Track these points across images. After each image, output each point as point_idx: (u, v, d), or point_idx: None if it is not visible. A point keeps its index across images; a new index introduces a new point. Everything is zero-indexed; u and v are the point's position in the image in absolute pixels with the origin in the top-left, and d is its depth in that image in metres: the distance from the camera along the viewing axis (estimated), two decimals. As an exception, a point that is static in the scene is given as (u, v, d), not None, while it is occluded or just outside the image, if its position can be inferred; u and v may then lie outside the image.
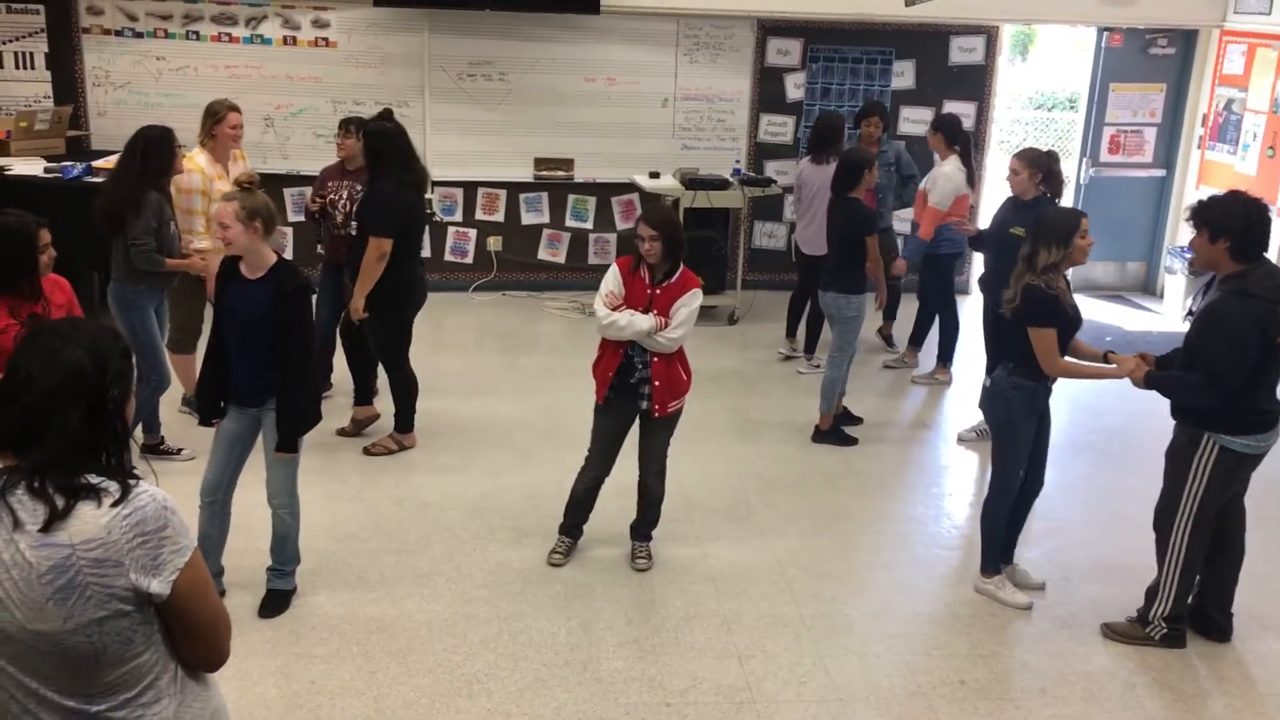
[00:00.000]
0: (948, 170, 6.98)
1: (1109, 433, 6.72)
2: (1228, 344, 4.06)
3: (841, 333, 6.31)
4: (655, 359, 4.60)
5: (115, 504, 1.94)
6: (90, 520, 1.92)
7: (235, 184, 4.29)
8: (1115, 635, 4.51)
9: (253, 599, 4.44)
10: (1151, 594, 4.49)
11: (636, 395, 4.66)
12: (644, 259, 4.56)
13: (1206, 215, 4.17)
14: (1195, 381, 4.18)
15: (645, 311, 4.54)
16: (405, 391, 5.94)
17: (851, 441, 6.36)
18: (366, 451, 5.92)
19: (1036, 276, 4.39)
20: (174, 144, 5.40)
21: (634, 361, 4.62)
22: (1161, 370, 4.38)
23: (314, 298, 4.23)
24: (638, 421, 4.78)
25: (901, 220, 8.56)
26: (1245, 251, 4.13)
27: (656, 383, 4.62)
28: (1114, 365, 4.51)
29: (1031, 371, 4.47)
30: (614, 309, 4.58)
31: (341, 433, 6.11)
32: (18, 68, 8.31)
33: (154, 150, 5.29)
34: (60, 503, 1.91)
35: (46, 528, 1.90)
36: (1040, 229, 4.49)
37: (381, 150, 5.58)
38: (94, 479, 1.95)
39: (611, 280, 4.63)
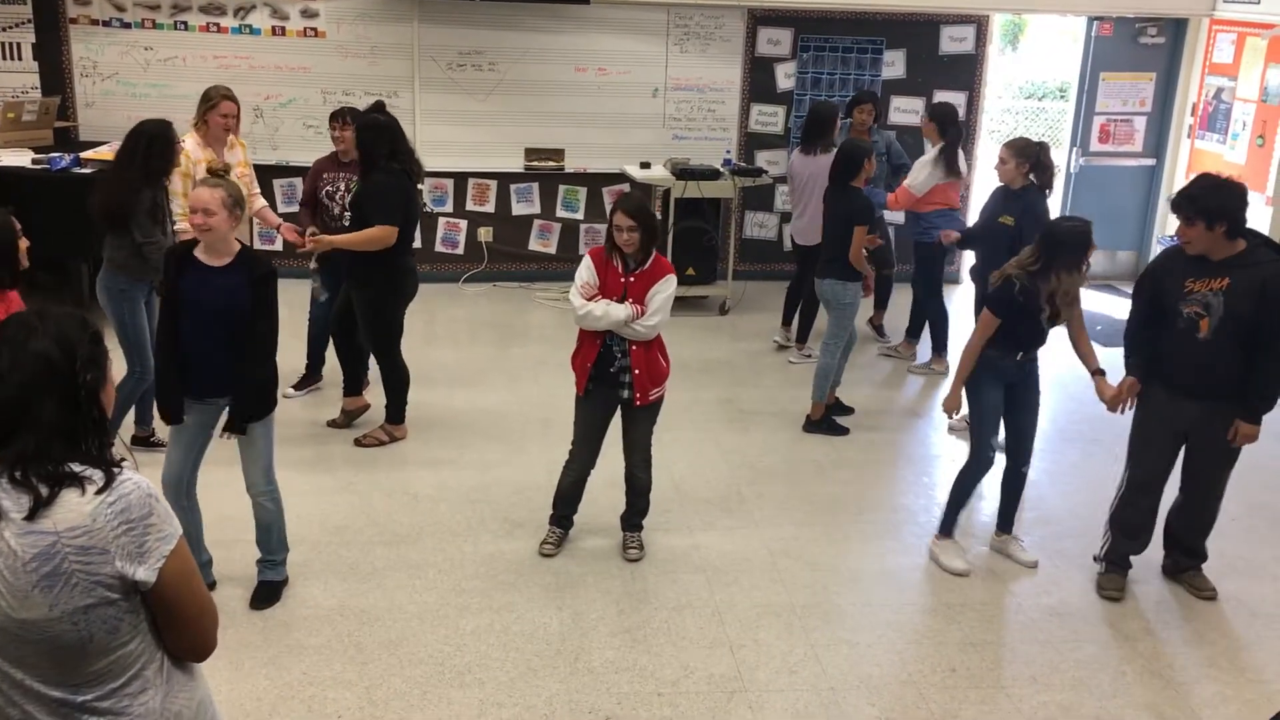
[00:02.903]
0: (926, 158, 7.04)
1: (1098, 421, 6.70)
2: None
3: (836, 319, 6.34)
4: (634, 347, 4.60)
5: (99, 491, 1.94)
6: (75, 508, 1.92)
7: (208, 171, 4.26)
8: (1212, 592, 4.74)
9: (244, 591, 4.43)
10: (1202, 538, 4.74)
11: (617, 385, 4.66)
12: (619, 249, 4.55)
13: (1202, 205, 4.23)
14: None
15: (620, 300, 4.54)
16: (397, 383, 5.93)
17: (843, 431, 6.37)
18: (358, 443, 5.91)
19: (1050, 296, 4.54)
20: (176, 140, 5.37)
21: (613, 351, 4.62)
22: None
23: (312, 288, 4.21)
24: (620, 412, 4.79)
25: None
26: (1239, 229, 4.25)
27: (636, 371, 4.61)
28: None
29: (992, 341, 4.68)
30: (589, 299, 4.58)
31: (332, 424, 6.10)
32: (5, 58, 8.26)
33: (159, 148, 5.26)
34: (44, 491, 1.90)
35: (31, 516, 1.89)
36: (1053, 245, 4.54)
37: (370, 144, 5.57)
38: (77, 467, 1.95)
39: (585, 271, 4.61)
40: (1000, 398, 4.78)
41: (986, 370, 4.73)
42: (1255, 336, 4.27)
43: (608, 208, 9.06)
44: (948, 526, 4.99)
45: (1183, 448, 4.61)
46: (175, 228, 5.69)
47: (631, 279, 4.56)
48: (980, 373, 4.74)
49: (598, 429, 4.79)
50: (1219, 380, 4.37)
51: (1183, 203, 4.29)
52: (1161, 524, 4.83)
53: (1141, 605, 4.70)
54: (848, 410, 6.58)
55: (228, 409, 4.19)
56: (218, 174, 4.18)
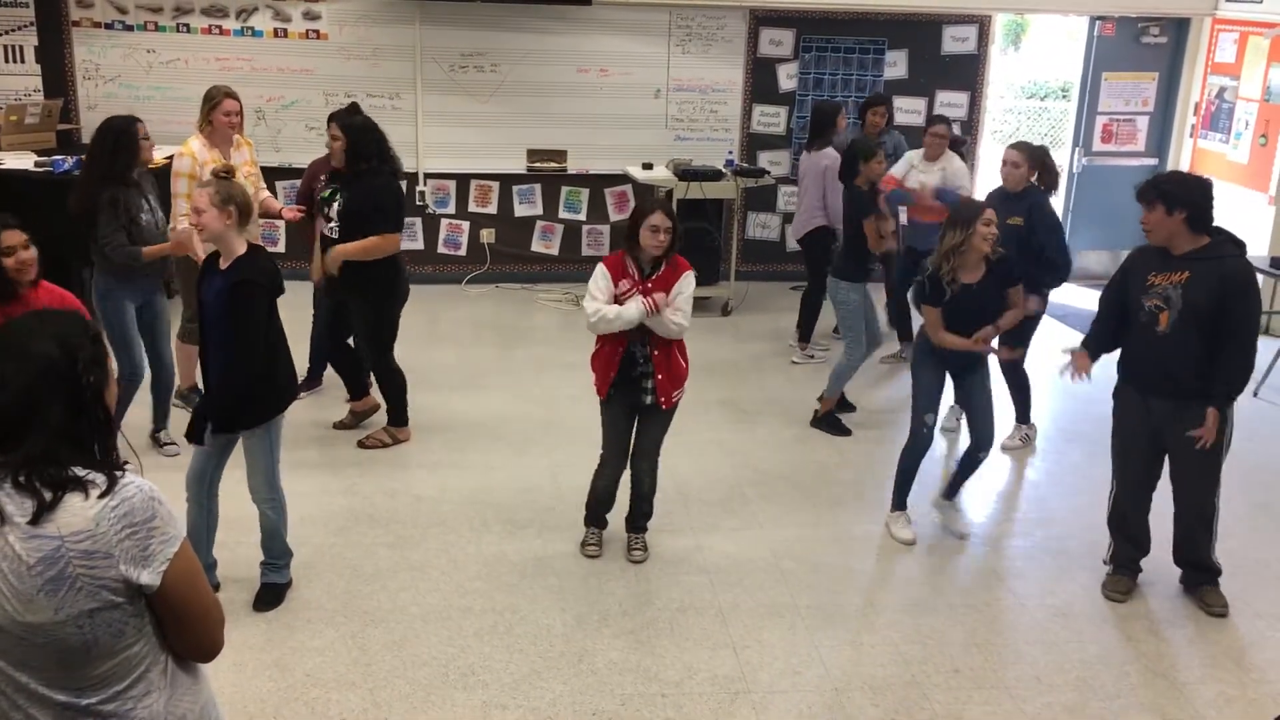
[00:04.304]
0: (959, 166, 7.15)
1: (1101, 421, 6.68)
2: (1256, 303, 4.30)
3: (841, 318, 6.41)
4: (656, 352, 4.58)
5: (102, 495, 1.93)
6: (78, 512, 1.92)
7: (213, 173, 4.27)
8: (1223, 608, 4.62)
9: (247, 593, 4.43)
10: (1202, 551, 4.63)
11: (640, 389, 4.65)
12: (641, 252, 4.51)
13: (1164, 189, 4.29)
14: (1247, 349, 4.32)
15: None
16: (395, 387, 5.92)
17: (845, 432, 6.37)
18: (361, 445, 5.91)
19: (942, 259, 4.78)
20: (139, 135, 5.33)
21: (635, 355, 4.60)
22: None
23: (266, 293, 4.18)
24: (638, 415, 4.76)
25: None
26: (1202, 222, 4.28)
27: (660, 376, 4.61)
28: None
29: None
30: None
31: (340, 426, 6.10)
32: (7, 61, 8.27)
33: (123, 144, 5.25)
34: (47, 496, 1.90)
35: (35, 520, 1.89)
36: (951, 214, 4.89)
37: (363, 146, 5.50)
38: (80, 471, 1.94)
39: (600, 278, 4.57)
40: (937, 380, 5.04)
41: (920, 351, 5.06)
42: (1215, 330, 4.27)
43: (610, 209, 9.11)
44: (898, 501, 5.21)
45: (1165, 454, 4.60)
46: (178, 228, 5.70)
47: (649, 284, 4.53)
48: (918, 353, 5.09)
49: (626, 432, 4.78)
50: (1180, 376, 4.37)
51: (1145, 188, 4.35)
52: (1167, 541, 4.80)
53: (1145, 606, 4.69)
54: (849, 407, 6.58)
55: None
56: (222, 175, 4.18)
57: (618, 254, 4.63)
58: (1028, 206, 5.86)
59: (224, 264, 4.11)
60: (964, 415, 5.21)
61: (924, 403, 5.05)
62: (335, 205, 5.59)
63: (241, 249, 4.11)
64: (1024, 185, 5.98)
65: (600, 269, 4.60)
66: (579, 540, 4.94)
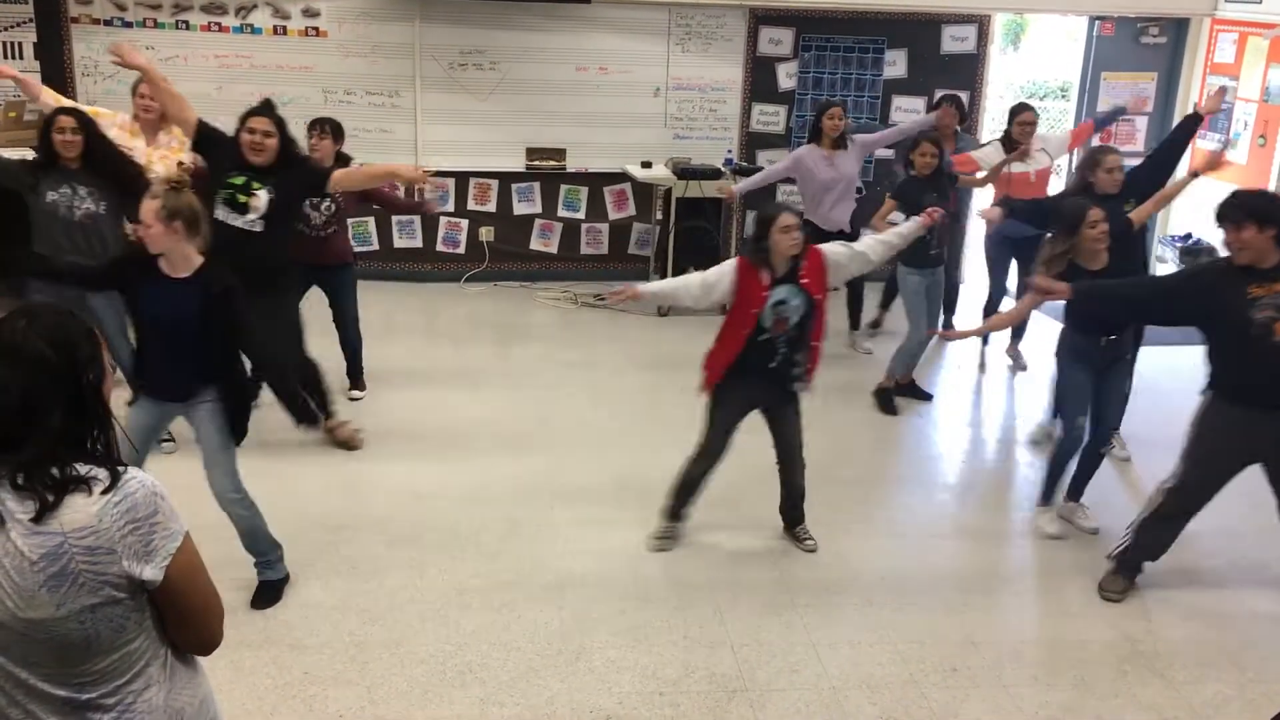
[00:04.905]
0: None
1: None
2: None
3: (904, 304, 6.64)
4: (815, 343, 4.69)
5: (105, 491, 1.93)
6: (81, 509, 1.91)
7: (164, 183, 4.19)
8: None
9: (245, 591, 4.42)
10: None
11: (782, 378, 4.71)
12: (777, 257, 4.52)
13: (1252, 207, 4.22)
14: None
15: (783, 301, 4.54)
16: (320, 374, 5.77)
17: (892, 412, 6.60)
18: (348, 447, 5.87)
19: (1043, 265, 4.80)
20: (52, 127, 5.44)
21: (776, 347, 4.63)
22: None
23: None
24: (775, 415, 4.83)
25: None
26: None
27: (809, 366, 4.73)
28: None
29: (1074, 325, 5.01)
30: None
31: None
32: (6, 58, 8.25)
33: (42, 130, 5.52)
34: (50, 497, 1.89)
35: (38, 518, 1.88)
36: (1053, 219, 4.94)
37: (291, 140, 5.33)
38: (82, 468, 1.93)
39: (728, 272, 4.61)
40: (1085, 380, 5.06)
41: (1072, 353, 5.05)
42: None
43: (609, 207, 9.10)
44: (1046, 496, 5.30)
45: (1244, 471, 4.47)
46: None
47: (803, 276, 4.57)
48: (1067, 356, 5.08)
49: (737, 424, 4.84)
50: None
51: (1228, 210, 4.26)
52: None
53: (1143, 605, 4.69)
54: (926, 396, 6.86)
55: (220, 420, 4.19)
56: (172, 186, 4.10)
57: (751, 260, 4.59)
58: (1130, 187, 5.86)
59: (177, 273, 4.02)
60: (1094, 406, 5.15)
61: (1075, 406, 5.09)
62: (259, 196, 5.16)
63: (199, 259, 4.04)
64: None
65: (732, 264, 4.65)
66: (651, 532, 4.96)
